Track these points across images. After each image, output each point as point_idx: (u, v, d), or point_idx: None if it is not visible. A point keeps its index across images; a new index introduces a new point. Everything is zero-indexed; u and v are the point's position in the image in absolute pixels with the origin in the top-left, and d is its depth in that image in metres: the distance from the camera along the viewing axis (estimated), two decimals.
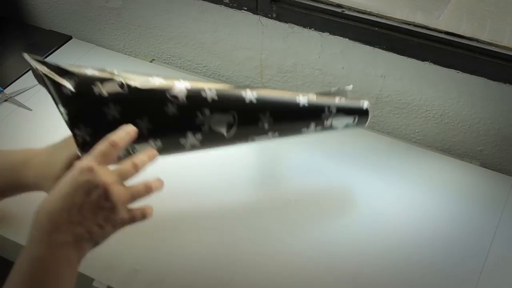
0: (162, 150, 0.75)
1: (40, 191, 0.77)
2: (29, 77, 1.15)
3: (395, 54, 0.99)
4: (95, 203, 0.63)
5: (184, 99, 0.73)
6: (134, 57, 1.25)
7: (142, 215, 0.68)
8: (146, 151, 0.70)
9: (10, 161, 0.79)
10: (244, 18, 1.09)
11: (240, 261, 0.84)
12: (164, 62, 1.25)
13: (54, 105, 0.71)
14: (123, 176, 0.66)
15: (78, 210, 0.62)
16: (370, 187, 0.95)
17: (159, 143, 0.74)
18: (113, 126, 0.69)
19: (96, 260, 0.83)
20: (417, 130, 1.07)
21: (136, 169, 0.67)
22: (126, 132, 0.68)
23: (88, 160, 0.64)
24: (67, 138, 0.77)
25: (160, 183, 0.70)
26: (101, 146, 0.65)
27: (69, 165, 0.73)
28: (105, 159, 0.65)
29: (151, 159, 0.70)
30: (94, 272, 0.81)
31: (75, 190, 0.62)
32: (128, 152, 0.73)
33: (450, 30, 0.94)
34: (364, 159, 1.00)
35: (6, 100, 1.10)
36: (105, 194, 0.63)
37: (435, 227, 0.89)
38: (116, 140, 0.66)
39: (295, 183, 0.96)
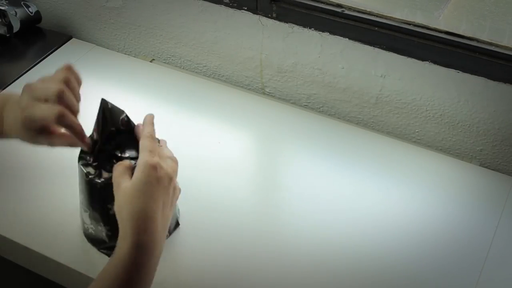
0: None
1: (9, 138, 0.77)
2: (28, 78, 1.15)
3: (395, 54, 0.99)
4: (171, 194, 0.72)
5: None
6: (134, 57, 1.25)
7: (179, 193, 0.78)
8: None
9: None
10: (244, 18, 1.09)
11: (240, 261, 0.84)
12: (164, 62, 1.25)
13: None
14: (175, 173, 0.76)
15: (164, 205, 0.71)
16: (370, 187, 0.95)
17: None
18: None
19: (96, 260, 0.83)
20: (417, 130, 1.07)
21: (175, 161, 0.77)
22: (150, 121, 0.76)
23: (150, 157, 0.70)
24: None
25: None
26: (146, 142, 0.73)
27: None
28: (155, 151, 0.72)
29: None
30: (94, 272, 0.81)
31: (157, 188, 0.70)
32: None
33: (450, 30, 0.94)
34: (364, 159, 1.00)
35: None
36: (173, 182, 0.73)
37: (434, 227, 0.89)
38: (151, 132, 0.75)
39: (294, 183, 0.96)
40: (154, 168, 0.69)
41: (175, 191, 0.74)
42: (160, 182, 0.70)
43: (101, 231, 0.81)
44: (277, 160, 1.01)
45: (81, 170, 0.78)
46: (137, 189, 0.69)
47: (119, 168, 0.73)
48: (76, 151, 0.96)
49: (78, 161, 0.78)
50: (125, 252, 0.66)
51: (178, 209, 0.88)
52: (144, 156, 0.71)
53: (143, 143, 0.72)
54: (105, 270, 0.67)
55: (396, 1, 1.02)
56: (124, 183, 0.71)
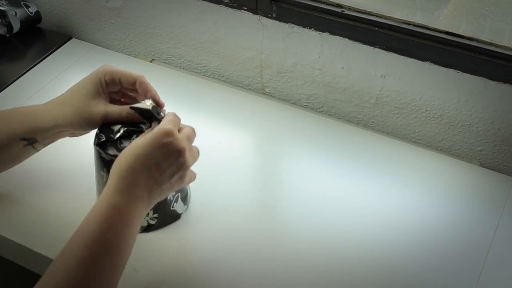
0: None
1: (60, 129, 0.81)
2: (28, 78, 1.15)
3: (395, 54, 0.99)
4: (172, 164, 0.71)
5: None
6: (134, 57, 1.25)
7: (194, 177, 0.79)
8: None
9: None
10: (244, 18, 1.09)
11: (239, 260, 0.84)
12: (164, 62, 1.25)
13: None
14: (189, 139, 0.76)
15: (157, 169, 0.70)
16: (369, 187, 0.95)
17: None
18: None
19: None
20: (417, 130, 1.07)
21: (195, 132, 0.78)
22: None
23: (169, 125, 0.72)
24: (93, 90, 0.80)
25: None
26: (171, 115, 0.75)
27: (97, 95, 0.79)
28: (177, 125, 0.74)
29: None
30: None
31: (158, 150, 0.70)
32: None
33: (450, 30, 0.94)
34: (364, 159, 1.00)
35: None
36: (182, 157, 0.72)
37: (434, 227, 0.89)
38: (175, 114, 0.77)
39: (294, 182, 0.96)
40: (165, 133, 0.70)
41: (184, 166, 0.73)
42: (165, 147, 0.70)
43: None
44: (277, 160, 1.01)
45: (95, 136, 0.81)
46: (139, 146, 0.70)
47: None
48: (76, 148, 0.97)
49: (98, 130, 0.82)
50: (102, 211, 0.67)
51: (185, 206, 0.88)
52: (162, 122, 0.73)
53: (168, 115, 0.75)
54: (80, 230, 0.67)
55: (396, 1, 1.02)
56: (135, 140, 0.73)
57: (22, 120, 0.81)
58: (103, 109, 0.80)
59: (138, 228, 0.70)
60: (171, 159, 0.71)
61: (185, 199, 0.88)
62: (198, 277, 0.82)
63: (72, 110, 0.80)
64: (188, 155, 0.73)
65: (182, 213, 0.88)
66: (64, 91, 0.84)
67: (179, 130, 0.74)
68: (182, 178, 0.74)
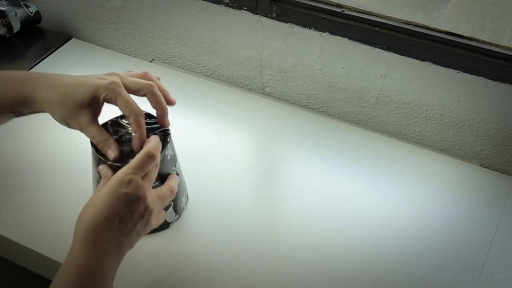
0: None
1: (46, 112, 0.78)
2: None
3: (395, 54, 0.99)
4: (134, 213, 0.69)
5: None
6: (134, 57, 1.25)
7: (162, 219, 0.77)
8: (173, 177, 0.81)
9: (23, 76, 0.80)
10: (244, 18, 1.09)
11: (239, 260, 0.84)
12: (164, 62, 1.25)
13: None
14: (162, 200, 0.75)
15: (120, 221, 0.68)
16: (369, 187, 0.95)
17: None
18: None
19: None
20: (417, 130, 1.07)
21: (172, 192, 0.77)
22: (158, 140, 0.76)
23: (127, 173, 0.70)
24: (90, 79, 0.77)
25: (176, 183, 0.80)
26: (139, 157, 0.72)
27: (90, 104, 0.75)
28: (143, 170, 0.71)
29: (178, 181, 0.81)
30: None
31: (117, 201, 0.68)
32: None
33: (450, 30, 0.94)
34: (364, 159, 1.00)
35: None
36: (143, 204, 0.70)
37: (434, 227, 0.89)
38: (151, 151, 0.73)
39: (294, 182, 0.96)
40: (120, 183, 0.69)
41: (147, 212, 0.71)
42: (124, 197, 0.68)
43: None
44: (277, 160, 1.01)
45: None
46: (98, 200, 0.68)
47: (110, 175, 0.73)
48: (75, 148, 0.97)
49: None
50: (70, 273, 0.65)
51: (176, 216, 0.88)
52: (121, 170, 0.70)
53: (135, 159, 0.72)
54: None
55: (396, 1, 1.02)
56: (95, 192, 0.71)
57: (15, 93, 0.78)
58: (79, 127, 0.76)
59: (112, 279, 0.68)
60: (132, 207, 0.69)
61: (177, 208, 0.87)
62: (198, 277, 0.82)
63: (59, 108, 0.76)
64: (150, 200, 0.71)
65: (171, 222, 0.87)
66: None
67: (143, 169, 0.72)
68: (147, 223, 0.72)
